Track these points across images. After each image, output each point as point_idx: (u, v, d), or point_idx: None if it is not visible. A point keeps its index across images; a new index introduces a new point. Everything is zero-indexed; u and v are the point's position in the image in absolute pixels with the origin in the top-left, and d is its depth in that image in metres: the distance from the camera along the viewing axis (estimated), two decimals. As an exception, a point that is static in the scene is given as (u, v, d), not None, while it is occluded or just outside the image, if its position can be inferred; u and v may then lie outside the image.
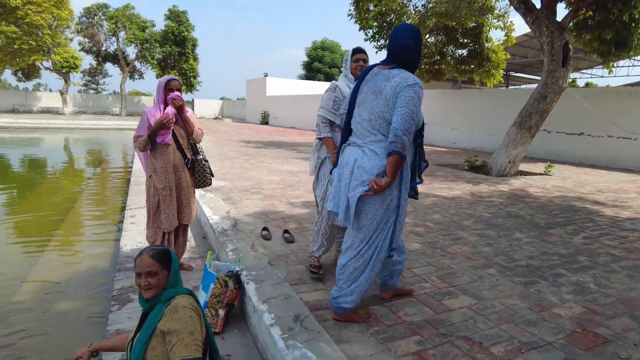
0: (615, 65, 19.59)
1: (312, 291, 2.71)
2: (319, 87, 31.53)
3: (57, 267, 4.05)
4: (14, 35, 26.04)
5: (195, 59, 34.62)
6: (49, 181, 9.13)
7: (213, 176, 3.53)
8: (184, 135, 3.23)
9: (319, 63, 42.11)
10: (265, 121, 29.10)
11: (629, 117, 10.32)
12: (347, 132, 2.38)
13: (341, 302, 2.29)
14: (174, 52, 32.81)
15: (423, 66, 15.17)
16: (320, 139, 2.85)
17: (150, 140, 3.09)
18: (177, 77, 3.15)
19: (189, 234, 4.32)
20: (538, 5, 8.27)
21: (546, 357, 2.07)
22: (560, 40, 7.83)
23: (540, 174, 8.64)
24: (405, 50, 2.18)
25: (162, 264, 1.77)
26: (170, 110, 3.04)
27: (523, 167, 9.22)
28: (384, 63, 2.26)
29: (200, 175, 3.38)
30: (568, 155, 11.62)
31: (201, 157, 3.39)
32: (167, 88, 3.08)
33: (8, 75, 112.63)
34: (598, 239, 4.13)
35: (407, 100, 2.06)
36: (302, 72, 44.44)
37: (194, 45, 34.26)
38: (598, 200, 6.14)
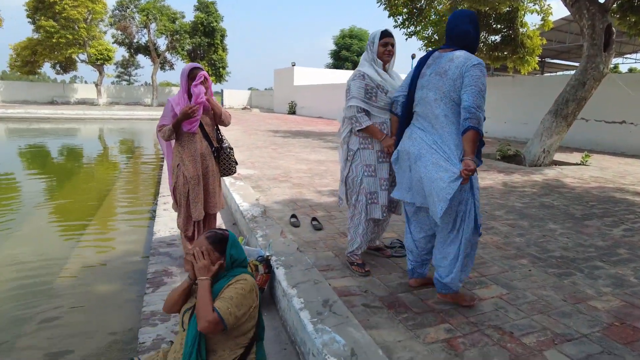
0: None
1: (340, 277, 2.73)
2: (346, 76, 31.25)
3: (95, 250, 4.24)
4: (53, 30, 27.09)
5: (224, 49, 34.98)
6: (85, 169, 9.53)
7: (237, 164, 3.54)
8: (210, 124, 3.23)
9: (346, 51, 41.71)
10: (292, 111, 29.19)
11: (676, 104, 9.74)
12: (407, 116, 2.45)
13: (448, 284, 2.34)
14: (204, 42, 33.25)
15: (454, 53, 14.77)
16: (356, 130, 2.71)
17: (175, 130, 3.06)
18: (200, 65, 3.09)
19: (220, 220, 4.42)
20: (578, -14, 7.87)
21: (581, 350, 2.02)
22: (603, 22, 7.43)
23: (577, 164, 8.31)
24: (467, 35, 2.27)
25: (216, 247, 1.87)
26: (201, 89, 2.97)
27: (558, 157, 8.89)
28: (444, 48, 2.33)
29: (226, 163, 3.38)
30: (608, 145, 11.11)
31: (226, 144, 3.40)
32: (190, 76, 3.00)
33: (47, 68, 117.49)
34: (639, 231, 3.96)
35: (475, 79, 2.13)
36: (330, 60, 44.19)
37: (223, 36, 34.60)
38: None
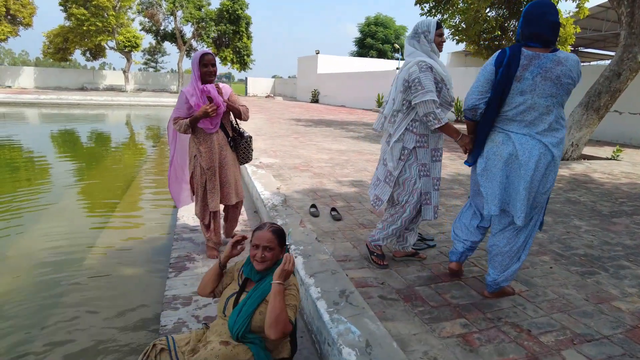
0: None
1: (357, 268, 2.75)
2: (371, 65, 30.89)
3: (120, 232, 4.39)
4: (83, 17, 27.77)
5: (249, 37, 35.01)
6: (113, 153, 9.81)
7: (252, 151, 3.57)
8: (226, 118, 3.24)
9: (371, 39, 41.16)
10: (315, 99, 29.11)
11: None
12: (493, 118, 2.26)
13: (501, 283, 2.40)
14: (229, 30, 33.36)
15: (482, 42, 14.39)
16: (433, 128, 2.50)
17: (192, 126, 3.04)
18: (210, 51, 3.06)
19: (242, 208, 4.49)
20: (617, -29, 7.49)
21: (601, 351, 1.98)
22: (642, 10, 7.09)
23: (607, 159, 8.01)
24: (558, 27, 2.11)
25: (280, 241, 1.98)
26: (219, 100, 3.01)
27: (587, 151, 8.59)
28: (529, 45, 2.15)
29: (245, 152, 3.41)
30: (642, 139, 10.65)
31: (247, 134, 3.42)
32: (202, 63, 2.98)
33: (78, 55, 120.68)
34: (670, 230, 3.81)
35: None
36: (355, 48, 43.73)
37: (248, 24, 34.60)
38: (674, 188, 5.62)
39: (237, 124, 3.41)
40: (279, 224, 3.48)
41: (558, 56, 2.09)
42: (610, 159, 8.03)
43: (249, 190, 5.14)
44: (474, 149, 2.40)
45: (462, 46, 16.16)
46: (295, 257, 2.84)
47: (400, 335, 2.04)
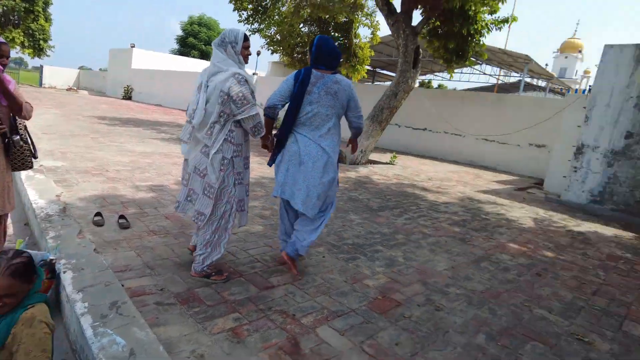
0: (460, 71, 22.72)
1: (137, 277, 2.63)
2: (192, 65, 29.91)
3: None
4: None
5: (47, 19, 29.52)
6: None
7: (36, 158, 3.07)
8: (4, 111, 2.71)
9: (194, 39, 39.91)
10: (128, 96, 26.53)
11: (461, 117, 12.19)
12: (291, 123, 2.82)
13: (305, 247, 2.88)
14: (19, 7, 27.49)
15: (295, 55, 15.52)
16: (259, 136, 2.72)
17: None
18: (6, 42, 2.60)
19: (9, 219, 3.77)
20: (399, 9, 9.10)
21: (347, 323, 2.38)
22: (413, 43, 8.78)
23: (386, 163, 9.66)
24: (339, 56, 2.85)
25: (24, 278, 1.66)
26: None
27: (374, 156, 10.16)
28: (318, 67, 2.80)
29: (18, 157, 2.90)
30: (413, 148, 13.22)
31: (17, 137, 2.90)
32: None
33: None
34: (416, 219, 4.84)
35: (357, 101, 2.90)
36: (176, 46, 41.66)
37: (47, 3, 29.20)
38: (426, 187, 7.17)
39: (18, 123, 2.85)
40: (50, 236, 3.06)
41: (336, 78, 2.80)
42: (388, 163, 9.70)
43: (21, 199, 4.35)
44: (275, 149, 2.93)
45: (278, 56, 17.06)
46: (64, 272, 2.55)
47: (170, 338, 2.04)
